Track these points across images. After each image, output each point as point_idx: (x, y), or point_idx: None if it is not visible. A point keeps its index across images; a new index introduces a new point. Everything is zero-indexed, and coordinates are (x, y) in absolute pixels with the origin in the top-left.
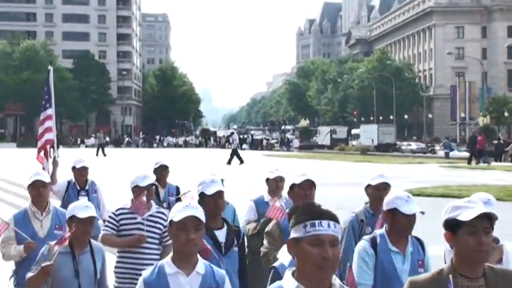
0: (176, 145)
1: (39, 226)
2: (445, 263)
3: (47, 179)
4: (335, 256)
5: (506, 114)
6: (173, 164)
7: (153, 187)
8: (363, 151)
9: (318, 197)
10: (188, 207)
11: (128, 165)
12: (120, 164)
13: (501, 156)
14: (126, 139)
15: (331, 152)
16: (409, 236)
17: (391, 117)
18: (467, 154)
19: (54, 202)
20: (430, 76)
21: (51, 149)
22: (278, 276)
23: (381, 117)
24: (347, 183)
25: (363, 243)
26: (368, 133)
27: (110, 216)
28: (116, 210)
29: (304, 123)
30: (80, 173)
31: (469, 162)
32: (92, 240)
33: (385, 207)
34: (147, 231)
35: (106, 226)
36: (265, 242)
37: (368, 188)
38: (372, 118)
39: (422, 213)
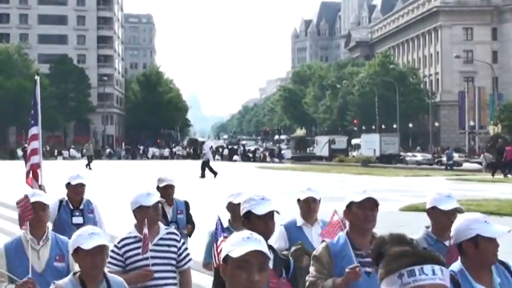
0: (162, 157)
1: (36, 258)
2: None
3: (46, 199)
4: None
5: None
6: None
7: (160, 205)
8: (364, 163)
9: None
10: (250, 240)
11: (116, 180)
12: (107, 178)
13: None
14: (108, 150)
15: (330, 164)
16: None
17: (395, 125)
18: (477, 166)
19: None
20: (437, 81)
21: (38, 171)
22: None
23: (383, 126)
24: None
25: None
26: (369, 143)
27: (112, 250)
28: (119, 242)
29: (300, 132)
30: (76, 190)
31: (493, 174)
32: (107, 273)
33: (460, 238)
34: (159, 257)
35: (109, 263)
36: (311, 269)
37: (433, 211)
38: (373, 127)
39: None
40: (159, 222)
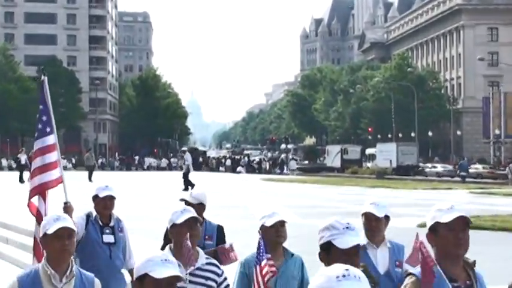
0: (158, 167)
1: None
2: None
3: (73, 225)
4: None
5: None
6: (156, 192)
7: (198, 223)
8: (380, 174)
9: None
10: (349, 278)
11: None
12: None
13: None
14: (100, 160)
15: (342, 176)
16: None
17: (413, 134)
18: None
19: None
20: (459, 86)
21: (56, 190)
22: None
23: (400, 135)
24: (359, 212)
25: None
26: (385, 153)
27: None
28: None
29: (309, 141)
30: (105, 204)
31: None
32: None
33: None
34: None
35: None
36: None
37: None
38: (389, 135)
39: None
40: (199, 249)
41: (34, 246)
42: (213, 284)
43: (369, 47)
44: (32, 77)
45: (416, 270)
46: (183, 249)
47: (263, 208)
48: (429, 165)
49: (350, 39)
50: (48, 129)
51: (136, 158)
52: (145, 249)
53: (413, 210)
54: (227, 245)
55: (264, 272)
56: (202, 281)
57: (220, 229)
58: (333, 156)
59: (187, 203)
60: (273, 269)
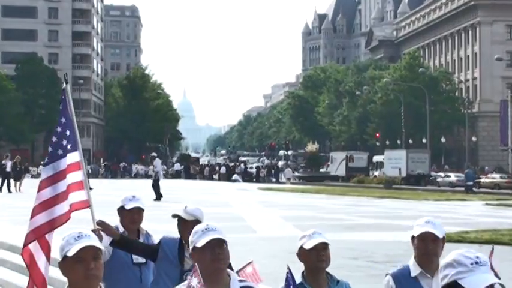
0: (147, 175)
1: None
2: None
3: (99, 243)
4: None
5: None
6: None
7: (225, 244)
8: (388, 184)
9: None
10: None
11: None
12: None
13: None
14: None
15: (347, 185)
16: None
17: (424, 140)
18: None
19: None
20: (474, 88)
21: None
22: None
23: (410, 141)
24: (366, 225)
25: None
26: (394, 161)
27: None
28: None
29: (312, 147)
30: (132, 217)
31: None
32: None
33: None
34: None
35: None
36: None
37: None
38: (399, 142)
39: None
40: (230, 271)
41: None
42: None
43: (376, 45)
44: (10, 76)
45: None
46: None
47: (273, 223)
48: (442, 174)
49: (356, 37)
50: (69, 146)
51: (122, 165)
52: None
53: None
54: (249, 269)
55: None
56: None
57: None
58: (337, 164)
59: (180, 219)
60: None
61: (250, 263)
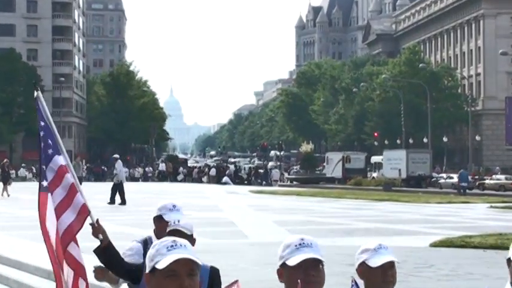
0: (132, 178)
1: None
2: None
3: (195, 256)
4: None
5: None
6: (128, 207)
7: (321, 265)
8: (387, 186)
9: (325, 249)
10: None
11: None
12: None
13: None
14: None
15: (344, 188)
16: None
17: (425, 140)
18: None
19: None
20: (478, 84)
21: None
22: None
23: (411, 140)
24: (364, 230)
25: None
26: (394, 162)
27: None
28: None
29: (306, 147)
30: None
31: None
32: None
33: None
34: None
35: None
36: None
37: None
38: (398, 141)
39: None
40: None
41: None
42: None
43: (374, 39)
44: None
45: None
46: None
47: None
48: (444, 175)
49: (353, 31)
50: (50, 151)
51: (104, 167)
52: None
53: (425, 227)
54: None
55: None
56: None
57: (214, 273)
58: (333, 165)
59: (177, 232)
60: None
61: (235, 281)
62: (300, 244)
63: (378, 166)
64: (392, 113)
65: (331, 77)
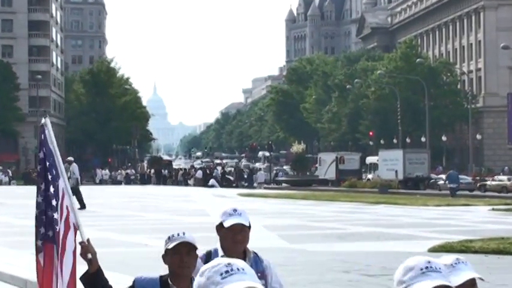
0: (114, 181)
1: None
2: None
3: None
4: None
5: None
6: (113, 214)
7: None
8: (383, 188)
9: (318, 254)
10: None
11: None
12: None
13: None
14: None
15: (338, 190)
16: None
17: (423, 139)
18: None
19: None
20: (478, 80)
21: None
22: None
23: (408, 140)
24: (359, 234)
25: None
26: (390, 162)
27: None
28: None
29: (298, 148)
30: (234, 237)
31: None
32: None
33: None
34: None
35: None
36: None
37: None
38: (395, 141)
39: None
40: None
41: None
42: None
43: (369, 33)
44: None
45: None
46: None
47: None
48: (443, 176)
49: (346, 24)
50: (49, 174)
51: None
52: None
53: (423, 231)
54: None
55: None
56: None
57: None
58: (326, 166)
59: (187, 244)
60: None
61: None
62: (426, 268)
63: (374, 167)
64: (388, 111)
65: (324, 73)
